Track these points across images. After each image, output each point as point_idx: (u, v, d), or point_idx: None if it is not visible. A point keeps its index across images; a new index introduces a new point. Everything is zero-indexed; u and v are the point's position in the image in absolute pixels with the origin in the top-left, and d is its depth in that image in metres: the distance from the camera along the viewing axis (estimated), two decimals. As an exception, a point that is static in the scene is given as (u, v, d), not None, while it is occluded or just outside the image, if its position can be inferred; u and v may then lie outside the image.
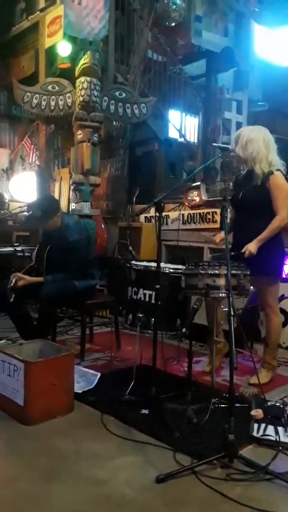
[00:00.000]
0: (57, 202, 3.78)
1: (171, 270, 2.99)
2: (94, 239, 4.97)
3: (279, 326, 3.17)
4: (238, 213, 3.14)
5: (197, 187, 4.71)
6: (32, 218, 3.43)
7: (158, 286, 2.65)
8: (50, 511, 1.75)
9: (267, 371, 3.14)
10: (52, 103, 5.01)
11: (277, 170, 2.96)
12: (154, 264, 2.89)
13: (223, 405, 2.54)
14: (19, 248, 5.06)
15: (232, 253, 2.77)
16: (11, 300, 3.27)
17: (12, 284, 3.27)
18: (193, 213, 4.62)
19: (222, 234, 3.14)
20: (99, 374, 3.03)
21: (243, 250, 2.86)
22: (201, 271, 2.58)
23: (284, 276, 4.01)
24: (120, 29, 6.12)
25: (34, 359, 2.65)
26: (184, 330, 2.97)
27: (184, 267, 2.82)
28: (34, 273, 3.54)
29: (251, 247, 2.86)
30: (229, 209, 2.53)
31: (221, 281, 2.54)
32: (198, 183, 4.80)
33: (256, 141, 2.96)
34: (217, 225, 3.30)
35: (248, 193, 2.99)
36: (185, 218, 4.69)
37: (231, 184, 3.33)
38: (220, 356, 3.35)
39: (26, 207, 4.07)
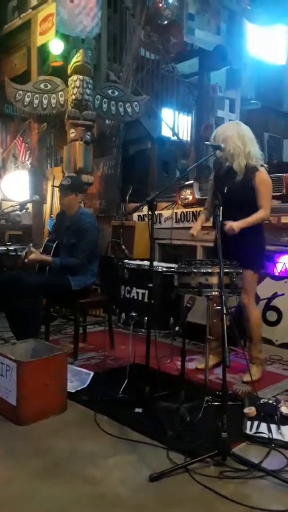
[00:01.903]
0: (83, 186, 4.04)
1: (164, 269, 3.00)
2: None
3: (259, 319, 3.20)
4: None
5: (190, 186, 4.71)
6: (60, 185, 3.66)
7: (151, 285, 2.65)
8: (45, 511, 1.75)
9: (256, 366, 3.15)
10: (45, 102, 5.00)
11: (261, 166, 3.02)
12: (147, 263, 2.90)
13: (216, 403, 2.54)
14: (11, 248, 5.04)
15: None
16: (26, 260, 3.44)
17: (26, 253, 3.47)
18: (186, 212, 4.63)
19: (197, 226, 3.26)
20: (92, 373, 3.03)
21: (225, 222, 2.83)
22: (194, 270, 2.59)
23: (277, 274, 4.05)
24: (113, 27, 6.10)
25: (26, 358, 2.65)
26: (177, 328, 2.97)
27: (177, 266, 2.82)
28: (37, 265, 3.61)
29: (235, 224, 2.86)
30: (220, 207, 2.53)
31: (214, 280, 2.55)
32: (191, 181, 4.81)
33: (231, 137, 2.99)
34: (210, 223, 3.33)
35: (234, 189, 3.01)
36: (178, 216, 4.69)
37: (211, 178, 3.34)
38: (215, 358, 3.34)
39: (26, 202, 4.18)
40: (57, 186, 4.02)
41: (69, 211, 3.67)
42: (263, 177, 3.00)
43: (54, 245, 3.66)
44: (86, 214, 3.70)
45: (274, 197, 3.87)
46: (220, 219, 2.53)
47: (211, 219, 3.22)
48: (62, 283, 3.43)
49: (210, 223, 3.32)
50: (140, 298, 2.96)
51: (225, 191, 3.03)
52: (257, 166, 3.00)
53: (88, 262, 3.57)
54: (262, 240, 3.14)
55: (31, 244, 3.55)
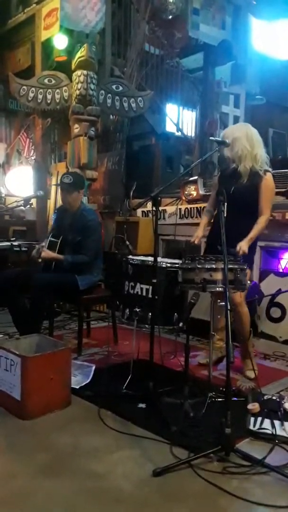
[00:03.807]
0: (84, 182, 3.94)
1: (168, 265, 2.99)
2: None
3: (248, 314, 3.17)
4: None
5: (194, 182, 4.70)
6: (62, 182, 3.59)
7: (155, 281, 2.65)
8: (48, 506, 1.76)
9: (252, 359, 3.15)
10: (49, 97, 4.99)
11: (267, 171, 3.03)
12: (151, 259, 2.89)
13: (220, 399, 2.54)
14: (15, 243, 5.05)
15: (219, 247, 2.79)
16: (40, 260, 3.45)
17: (36, 252, 3.47)
18: (190, 208, 4.62)
19: (199, 233, 3.23)
20: (93, 366, 3.07)
21: (237, 250, 2.86)
22: (198, 266, 2.58)
23: (281, 270, 4.03)
24: (117, 22, 6.09)
25: (31, 353, 2.65)
26: (181, 324, 2.98)
27: (181, 262, 2.82)
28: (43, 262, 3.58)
29: (244, 246, 2.89)
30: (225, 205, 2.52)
31: (218, 276, 2.54)
32: (195, 177, 4.79)
33: (240, 139, 3.01)
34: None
35: (240, 191, 3.02)
36: (182, 212, 4.69)
37: (215, 179, 3.34)
38: (218, 353, 3.34)
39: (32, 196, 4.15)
40: (58, 185, 3.98)
41: (72, 208, 3.64)
42: (269, 184, 3.03)
43: (59, 241, 3.61)
44: (88, 211, 3.69)
45: (278, 193, 3.88)
46: (225, 215, 2.52)
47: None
48: (69, 283, 3.42)
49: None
50: (144, 293, 2.95)
51: (231, 192, 3.02)
52: (262, 171, 3.01)
53: (94, 259, 3.58)
54: (254, 241, 3.12)
55: (42, 244, 3.54)
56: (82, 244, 3.50)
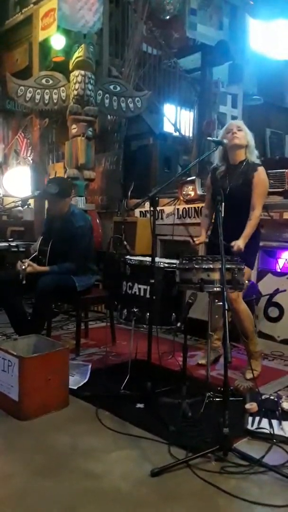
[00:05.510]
0: (72, 186, 3.76)
1: (166, 265, 2.99)
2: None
3: (248, 312, 3.17)
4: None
5: (192, 182, 4.70)
6: (47, 193, 3.42)
7: (152, 281, 2.65)
8: (46, 506, 1.75)
9: (256, 360, 3.16)
10: (46, 97, 5.00)
11: (260, 165, 3.07)
12: (149, 259, 2.89)
13: (218, 399, 2.54)
14: (13, 243, 5.04)
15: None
16: (24, 282, 3.28)
17: (24, 267, 3.30)
18: (188, 208, 4.62)
19: (201, 238, 3.25)
20: (89, 364, 3.08)
21: (232, 245, 2.86)
22: (196, 266, 2.58)
23: (279, 270, 4.04)
24: (115, 22, 6.08)
25: (28, 354, 2.65)
26: (179, 324, 2.98)
27: (178, 262, 2.82)
28: (36, 263, 3.51)
29: (240, 243, 2.89)
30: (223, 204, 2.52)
31: (216, 276, 2.54)
32: (193, 177, 4.79)
33: (247, 132, 3.12)
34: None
35: (237, 189, 3.04)
36: (180, 212, 4.69)
37: (208, 180, 3.35)
38: (215, 354, 3.34)
39: (44, 187, 3.96)
40: (42, 196, 3.83)
41: (60, 213, 3.53)
42: (262, 178, 3.05)
43: (49, 248, 3.53)
44: (77, 216, 3.51)
45: (276, 193, 3.88)
46: (223, 215, 2.53)
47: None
48: (68, 284, 3.41)
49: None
50: (141, 294, 2.95)
51: (227, 191, 3.04)
52: (256, 164, 3.06)
53: (86, 262, 3.55)
54: (257, 239, 3.16)
55: (24, 260, 3.37)
56: (70, 251, 3.43)
